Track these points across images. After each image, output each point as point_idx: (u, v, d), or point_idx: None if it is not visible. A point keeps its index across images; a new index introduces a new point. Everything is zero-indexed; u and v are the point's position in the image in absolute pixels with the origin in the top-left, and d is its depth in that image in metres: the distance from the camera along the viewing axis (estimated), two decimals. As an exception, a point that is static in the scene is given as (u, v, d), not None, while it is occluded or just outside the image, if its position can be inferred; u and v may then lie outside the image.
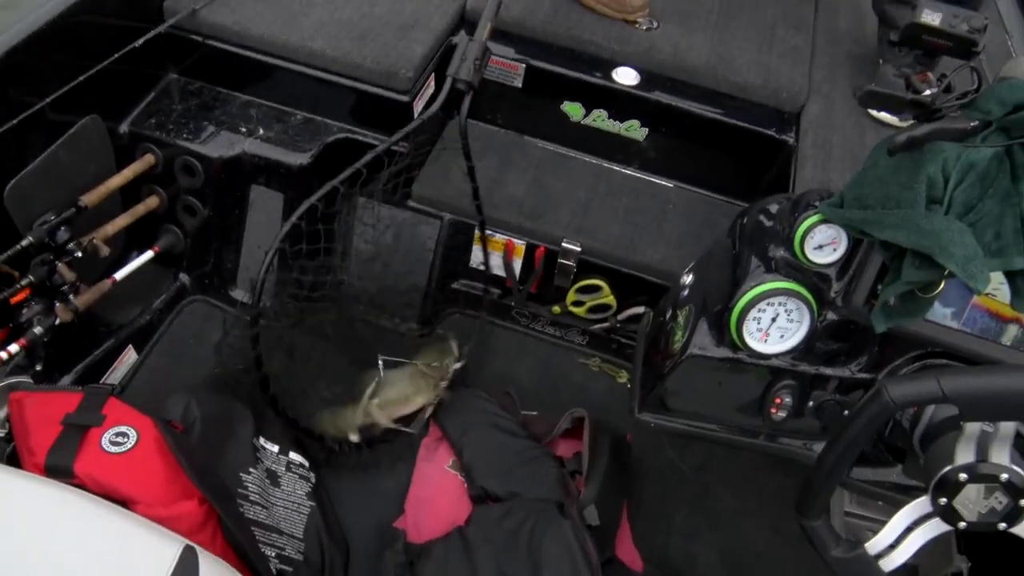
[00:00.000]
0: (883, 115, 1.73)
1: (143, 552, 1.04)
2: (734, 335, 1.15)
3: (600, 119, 1.91)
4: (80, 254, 1.53)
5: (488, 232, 1.79)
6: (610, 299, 1.86)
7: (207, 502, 1.21)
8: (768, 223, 1.24)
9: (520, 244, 1.81)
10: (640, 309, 1.84)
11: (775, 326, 1.16)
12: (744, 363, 1.19)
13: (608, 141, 1.94)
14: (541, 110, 1.94)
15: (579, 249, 1.78)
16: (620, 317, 1.87)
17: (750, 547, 1.69)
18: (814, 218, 1.14)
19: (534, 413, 1.73)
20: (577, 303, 1.87)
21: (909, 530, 0.95)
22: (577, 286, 1.85)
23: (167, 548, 1.04)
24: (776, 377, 1.20)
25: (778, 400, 1.20)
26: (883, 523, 0.97)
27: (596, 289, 1.84)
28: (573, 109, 1.92)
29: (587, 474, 1.59)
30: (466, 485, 1.56)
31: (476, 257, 1.86)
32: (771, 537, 1.70)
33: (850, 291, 1.14)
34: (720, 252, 1.30)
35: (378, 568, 1.46)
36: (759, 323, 1.15)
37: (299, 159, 1.75)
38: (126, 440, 1.21)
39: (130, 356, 1.71)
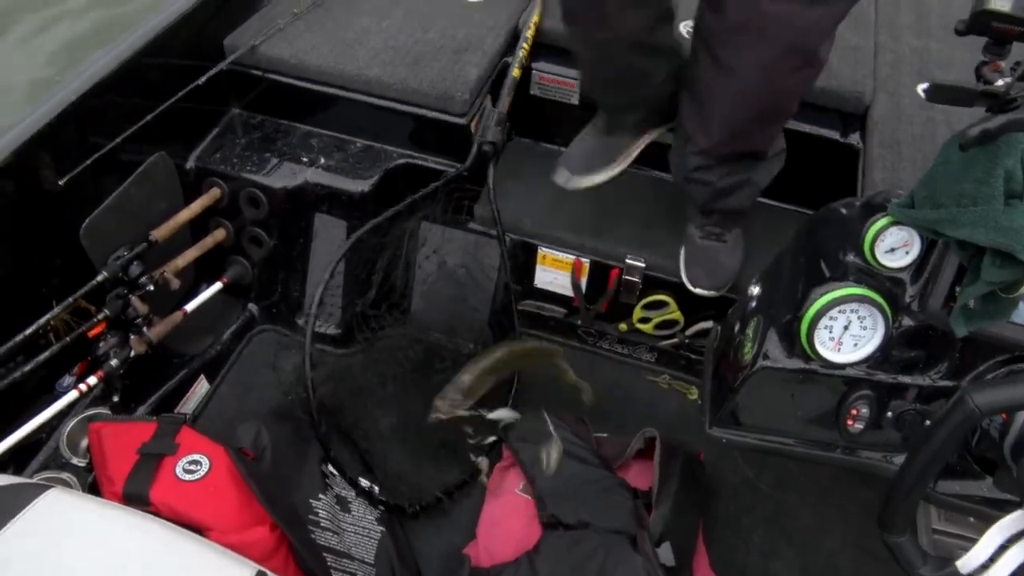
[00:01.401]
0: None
1: None
2: (805, 345, 1.11)
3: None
4: (152, 287, 1.58)
5: (553, 251, 1.78)
6: (677, 315, 1.82)
7: (279, 528, 1.22)
8: (837, 228, 1.20)
9: (586, 263, 1.79)
10: (708, 324, 1.80)
11: (848, 334, 1.11)
12: (817, 374, 1.14)
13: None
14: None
15: (643, 265, 1.75)
16: (688, 332, 1.84)
17: (832, 565, 1.62)
18: (884, 220, 1.09)
19: (604, 435, 1.71)
20: (644, 320, 1.84)
21: (1004, 547, 0.90)
22: (643, 302, 1.82)
23: (241, 572, 1.05)
24: (851, 388, 1.15)
25: (854, 411, 1.16)
26: (975, 541, 0.92)
27: (663, 305, 1.81)
28: (632, 123, 1.90)
29: (657, 496, 1.55)
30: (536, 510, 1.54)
31: (541, 278, 1.85)
32: (855, 555, 1.63)
33: (926, 295, 1.09)
34: (788, 260, 1.26)
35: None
36: (831, 332, 1.11)
37: (360, 186, 1.77)
38: (199, 468, 1.23)
39: (202, 386, 1.75)
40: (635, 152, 1.71)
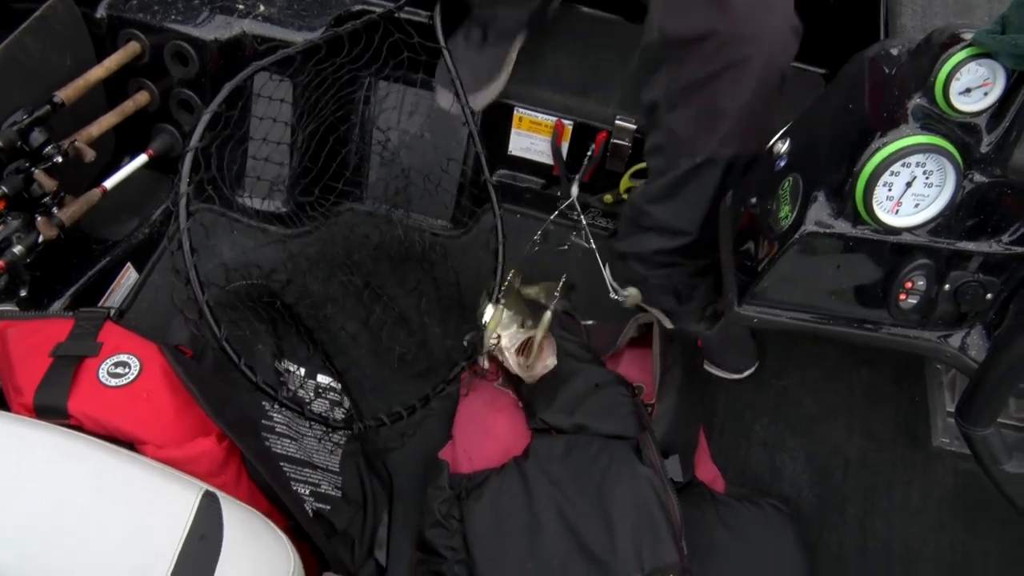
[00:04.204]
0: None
1: (156, 502, 0.87)
2: (861, 206, 0.93)
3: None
4: (60, 159, 1.33)
5: (530, 112, 1.55)
6: (670, 184, 1.63)
7: (227, 438, 1.02)
8: (890, 69, 1.00)
9: (568, 125, 1.57)
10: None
11: (909, 193, 0.93)
12: (870, 241, 0.97)
13: None
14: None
15: (635, 127, 1.54)
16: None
17: (839, 452, 1.50)
18: (964, 53, 0.90)
19: (590, 322, 1.53)
20: (632, 190, 1.64)
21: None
22: (632, 170, 1.62)
23: (184, 495, 0.87)
24: (906, 257, 0.98)
25: (908, 284, 0.99)
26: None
27: (654, 173, 1.61)
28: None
29: (659, 390, 1.40)
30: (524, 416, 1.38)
31: (516, 143, 1.63)
32: (861, 442, 1.52)
33: (1008, 143, 0.91)
34: (828, 110, 1.06)
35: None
36: (890, 190, 0.93)
37: (307, 37, 1.51)
38: (127, 371, 1.01)
39: (129, 276, 1.52)
40: (514, 55, 1.58)
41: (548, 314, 1.33)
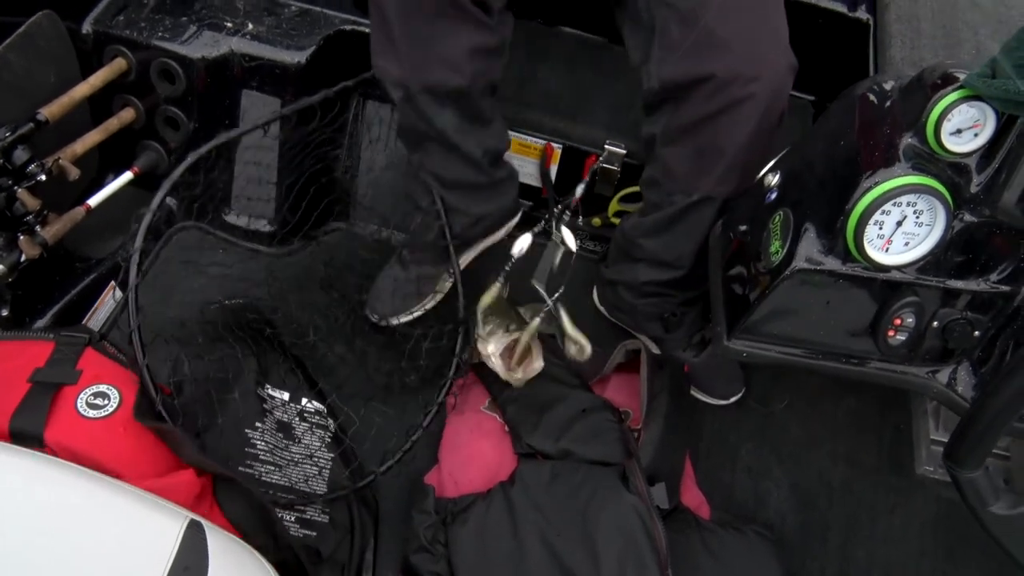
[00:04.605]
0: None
1: (139, 532, 0.85)
2: (852, 244, 0.93)
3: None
4: (44, 177, 1.31)
5: (520, 135, 1.55)
6: (658, 209, 1.63)
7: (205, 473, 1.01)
8: (884, 104, 1.01)
9: (558, 149, 1.57)
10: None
11: (900, 232, 0.94)
12: (860, 278, 0.97)
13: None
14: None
15: (624, 151, 1.54)
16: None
17: (823, 480, 1.51)
18: (955, 95, 0.91)
19: None
20: (621, 214, 1.64)
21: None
22: (621, 194, 1.62)
23: (168, 524, 0.85)
24: (895, 293, 0.99)
25: (897, 321, 1.00)
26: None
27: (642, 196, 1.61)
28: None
29: (645, 416, 1.39)
30: (511, 440, 1.37)
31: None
32: (845, 469, 1.52)
33: (997, 185, 0.92)
34: (820, 144, 1.07)
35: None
36: (881, 228, 0.93)
37: (296, 57, 1.50)
38: (106, 402, 1.00)
39: (114, 294, 1.49)
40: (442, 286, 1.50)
41: (536, 319, 1.32)
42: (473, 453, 1.40)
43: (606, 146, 1.54)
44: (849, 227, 0.93)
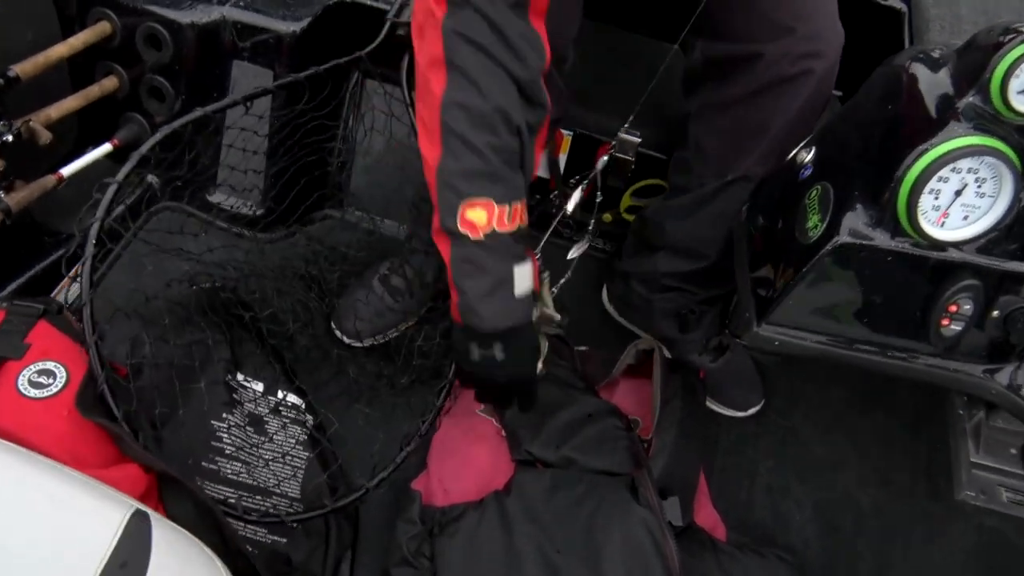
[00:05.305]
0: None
1: (75, 521, 0.75)
2: (903, 215, 0.82)
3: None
4: (11, 138, 1.21)
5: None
6: (674, 204, 1.52)
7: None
8: (934, 72, 0.90)
9: (567, 136, 1.46)
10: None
11: (958, 203, 0.83)
12: (910, 256, 0.85)
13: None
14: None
15: (639, 141, 1.43)
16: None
17: (850, 501, 1.38)
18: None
19: (583, 348, 1.41)
20: (633, 209, 1.53)
21: None
22: (634, 188, 1.51)
23: (109, 514, 0.75)
24: (951, 276, 0.87)
25: (953, 308, 0.88)
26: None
27: (658, 191, 1.50)
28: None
29: (657, 423, 1.27)
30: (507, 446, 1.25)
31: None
32: (875, 491, 1.39)
33: (1074, 149, 0.81)
34: (861, 114, 0.96)
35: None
36: (936, 199, 0.82)
37: (291, 26, 1.41)
38: (51, 381, 0.89)
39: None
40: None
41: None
42: (466, 459, 1.28)
43: (620, 134, 1.43)
44: (901, 196, 0.81)
